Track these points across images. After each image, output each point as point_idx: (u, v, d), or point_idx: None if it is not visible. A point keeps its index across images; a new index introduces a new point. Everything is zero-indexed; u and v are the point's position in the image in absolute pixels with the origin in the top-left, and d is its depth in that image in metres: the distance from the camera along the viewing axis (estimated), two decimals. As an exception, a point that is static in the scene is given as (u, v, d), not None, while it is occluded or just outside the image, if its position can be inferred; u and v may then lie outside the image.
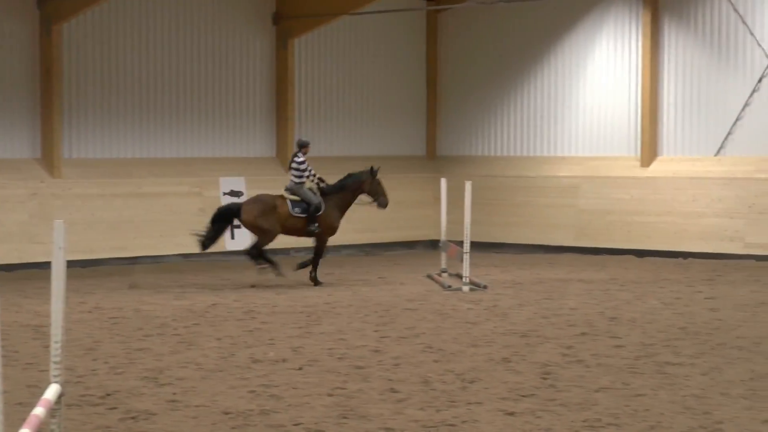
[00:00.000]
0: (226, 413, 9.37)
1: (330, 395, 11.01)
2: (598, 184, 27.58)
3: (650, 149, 27.15)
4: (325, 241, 19.29)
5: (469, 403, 10.64)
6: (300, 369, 12.30)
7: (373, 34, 29.58)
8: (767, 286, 20.21)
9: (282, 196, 19.22)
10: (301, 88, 28.31)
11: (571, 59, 28.75)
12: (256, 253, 19.04)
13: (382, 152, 29.34)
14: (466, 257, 20.07)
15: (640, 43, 27.43)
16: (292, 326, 15.58)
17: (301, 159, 18.73)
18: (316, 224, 18.71)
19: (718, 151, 26.05)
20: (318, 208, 18.77)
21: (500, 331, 15.56)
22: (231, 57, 27.52)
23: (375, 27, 29.31)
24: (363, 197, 19.47)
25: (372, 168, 19.12)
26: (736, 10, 25.66)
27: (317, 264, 19.23)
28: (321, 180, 19.09)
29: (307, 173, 18.77)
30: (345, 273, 23.53)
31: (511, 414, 10.00)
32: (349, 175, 19.33)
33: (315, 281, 18.97)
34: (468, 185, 20.74)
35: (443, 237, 22.04)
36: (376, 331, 15.92)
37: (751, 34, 25.45)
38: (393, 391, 11.20)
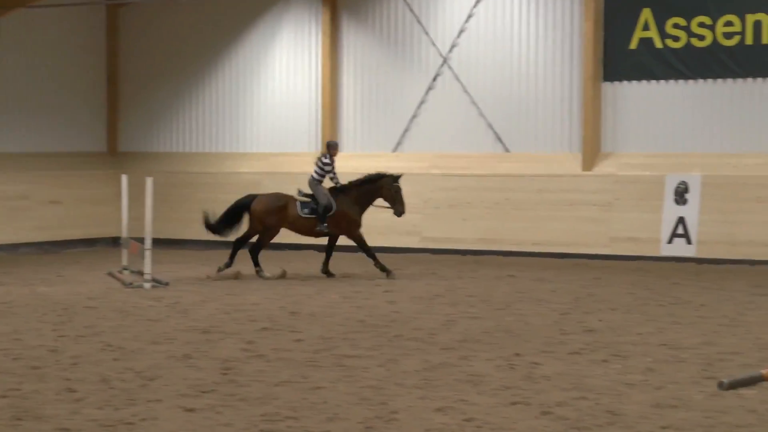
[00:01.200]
0: None
1: (4, 397, 10.45)
2: (280, 180, 26.84)
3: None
4: (357, 236, 19.05)
5: (149, 401, 10.33)
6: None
7: (52, 27, 28.57)
8: (442, 279, 20.72)
9: (294, 197, 19.18)
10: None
11: (252, 56, 28.71)
12: (257, 254, 19.11)
13: (63, 148, 29.02)
14: (148, 254, 19.73)
15: (319, 42, 27.63)
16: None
17: (328, 160, 18.68)
18: (325, 224, 18.58)
19: (396, 148, 26.59)
20: (327, 209, 18.61)
21: (181, 328, 15.35)
22: None
23: (54, 21, 28.34)
24: (380, 202, 19.20)
25: (393, 175, 18.79)
26: (411, 11, 26.15)
27: (373, 255, 18.99)
28: (337, 182, 18.99)
29: (331, 174, 18.73)
30: (23, 272, 22.59)
31: (191, 410, 9.81)
32: (370, 178, 19.03)
33: (384, 270, 18.69)
34: (149, 181, 20.36)
35: (124, 234, 21.48)
36: (54, 330, 15.24)
37: (426, 33, 25.95)
38: (70, 390, 10.75)
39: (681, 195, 23.06)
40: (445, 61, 25.84)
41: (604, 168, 24.28)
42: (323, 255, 19.88)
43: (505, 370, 12.22)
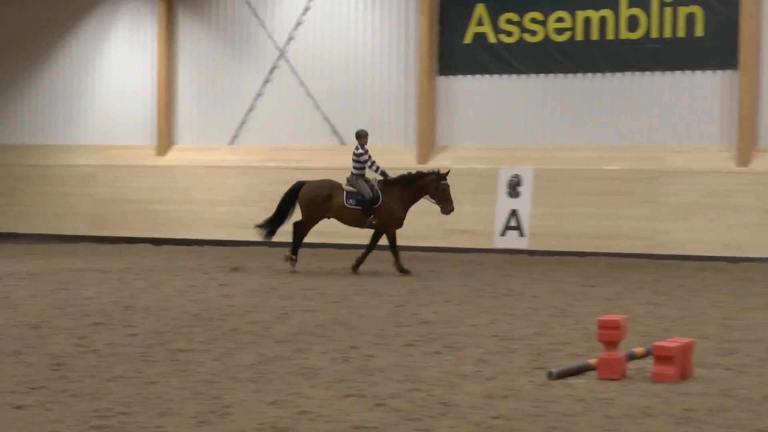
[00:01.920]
0: None
1: None
2: (115, 173, 27.36)
3: (166, 138, 27.40)
4: (392, 233, 18.59)
5: (-26, 399, 10.46)
6: None
7: None
8: (279, 273, 20.50)
9: (341, 186, 18.88)
10: None
11: (86, 48, 28.30)
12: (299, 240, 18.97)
13: None
14: None
15: (155, 35, 27.43)
16: None
17: (360, 150, 18.28)
18: (372, 216, 18.18)
19: (233, 140, 26.62)
20: (374, 201, 18.25)
21: (11, 323, 14.65)
22: None
23: None
24: (427, 199, 18.64)
25: (441, 173, 18.08)
26: (248, 3, 26.30)
27: (397, 254, 18.52)
28: (384, 173, 18.49)
29: (368, 163, 18.33)
30: None
31: (20, 407, 9.33)
32: (418, 174, 18.44)
33: (403, 271, 18.29)
34: None
35: None
36: None
37: (263, 26, 26.09)
38: None
39: (514, 188, 23.52)
40: (281, 54, 26.03)
41: (439, 161, 24.02)
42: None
43: (339, 362, 12.03)
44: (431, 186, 18.31)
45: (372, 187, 18.54)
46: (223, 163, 26.90)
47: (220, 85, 27.45)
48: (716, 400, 10.15)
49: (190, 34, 27.65)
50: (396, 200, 18.49)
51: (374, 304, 16.98)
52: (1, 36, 29.33)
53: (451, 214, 21.65)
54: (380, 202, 18.43)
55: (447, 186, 18.21)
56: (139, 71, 28.04)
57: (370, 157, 18.46)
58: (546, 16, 23.74)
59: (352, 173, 18.69)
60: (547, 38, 23.83)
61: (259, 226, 19.57)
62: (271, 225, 19.41)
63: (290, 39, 26.13)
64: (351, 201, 18.53)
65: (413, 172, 18.82)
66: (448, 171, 18.34)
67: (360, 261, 18.88)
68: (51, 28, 29.07)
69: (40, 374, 11.23)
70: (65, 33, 28.90)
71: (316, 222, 19.18)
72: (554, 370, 11.25)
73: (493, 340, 13.35)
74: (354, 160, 18.61)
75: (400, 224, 18.66)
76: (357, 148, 18.58)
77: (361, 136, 18.65)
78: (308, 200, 19.11)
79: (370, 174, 18.86)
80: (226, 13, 27.24)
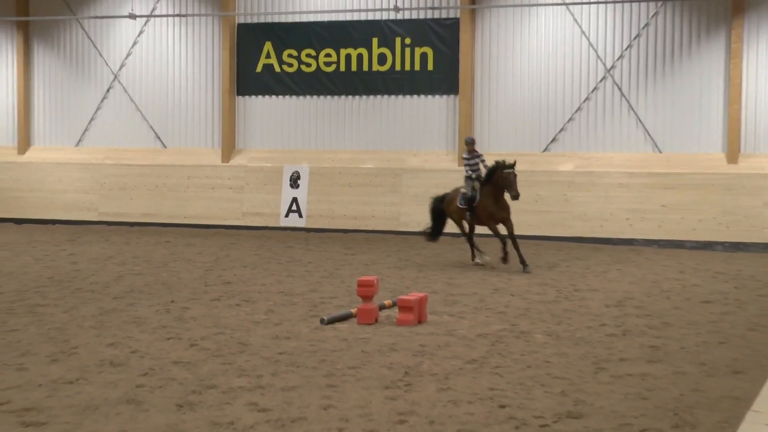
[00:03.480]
0: None
1: None
2: None
3: (25, 141, 29.16)
4: (509, 227, 17.91)
5: None
6: None
7: None
8: (114, 245, 21.96)
9: (459, 190, 18.60)
10: None
11: None
12: (470, 244, 18.69)
13: None
14: None
15: (15, 59, 29.23)
16: None
17: (467, 156, 18.07)
18: (469, 213, 18.04)
19: (78, 143, 28.61)
20: (471, 199, 18.01)
21: None
22: None
23: None
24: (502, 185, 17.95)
25: (507, 163, 17.52)
26: (89, 37, 28.30)
27: (509, 246, 17.81)
28: (479, 176, 18.07)
29: (474, 167, 18.03)
30: None
31: None
32: (491, 169, 17.82)
33: (523, 263, 17.54)
34: None
35: None
36: None
37: (101, 55, 28.25)
38: None
39: (295, 181, 25.59)
40: (115, 77, 28.11)
41: (238, 160, 26.67)
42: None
43: (162, 313, 13.21)
44: (500, 175, 17.65)
45: (473, 188, 18.13)
46: (70, 161, 28.33)
47: (68, 99, 28.96)
48: (443, 338, 11.63)
49: (43, 59, 29.11)
50: (487, 197, 17.84)
51: (188, 269, 18.10)
52: None
53: (241, 201, 22.48)
54: (477, 199, 17.96)
55: (509, 174, 17.46)
56: (2, 88, 29.48)
57: (476, 162, 18.14)
58: (318, 52, 25.99)
59: (465, 175, 18.35)
60: (318, 69, 26.03)
61: (425, 233, 19.58)
62: (433, 235, 19.30)
63: (122, 66, 28.12)
64: (461, 201, 18.22)
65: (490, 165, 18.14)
66: (514, 162, 17.68)
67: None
68: None
69: None
70: None
71: (457, 223, 18.86)
72: (325, 318, 12.54)
73: (279, 295, 14.71)
74: (464, 165, 18.29)
75: (494, 218, 17.91)
76: (465, 154, 18.22)
77: (468, 143, 18.24)
78: (446, 208, 18.88)
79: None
80: (72, 43, 28.78)
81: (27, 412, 8.43)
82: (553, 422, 8.23)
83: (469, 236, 18.65)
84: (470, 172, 18.04)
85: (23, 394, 8.97)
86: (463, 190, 18.22)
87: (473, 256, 18.64)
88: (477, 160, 17.96)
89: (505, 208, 17.78)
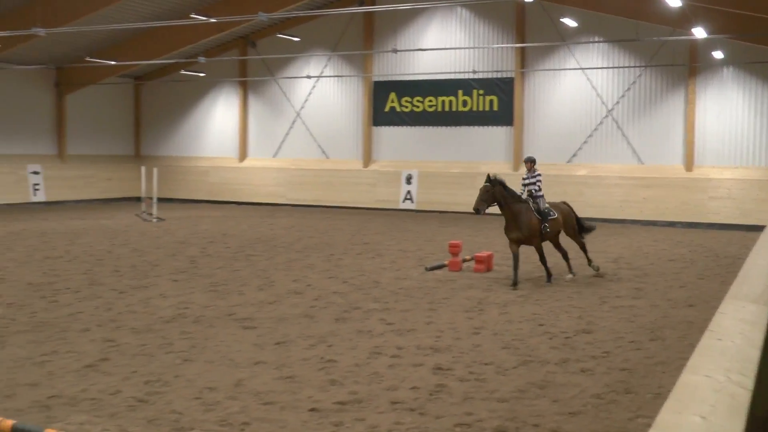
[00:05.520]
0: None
1: None
2: (219, 171, 31.39)
3: (243, 154, 31.72)
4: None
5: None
6: None
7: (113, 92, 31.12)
8: (296, 219, 22.91)
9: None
10: None
11: (205, 113, 32.50)
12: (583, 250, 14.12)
13: (114, 152, 32.32)
14: (154, 204, 23.36)
15: (238, 105, 32.11)
16: None
17: (526, 176, 13.25)
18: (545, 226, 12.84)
19: (274, 155, 31.32)
20: (543, 214, 13.13)
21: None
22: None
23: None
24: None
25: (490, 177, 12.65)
26: (281, 89, 31.02)
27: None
28: (530, 195, 13.24)
29: (535, 185, 13.12)
30: (96, 213, 24.64)
31: None
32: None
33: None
34: (154, 170, 24.37)
35: (143, 194, 24.28)
36: (111, 241, 17.79)
37: (288, 101, 31.03)
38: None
39: (408, 180, 27.71)
40: (297, 114, 30.76)
41: (372, 167, 28.83)
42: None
43: (325, 261, 14.23)
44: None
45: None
46: (269, 166, 30.76)
47: (268, 128, 31.45)
48: (503, 281, 11.98)
49: (254, 103, 31.81)
50: (506, 220, 12.89)
51: (341, 234, 18.98)
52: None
53: (375, 192, 24.53)
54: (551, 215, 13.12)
55: (481, 188, 12.42)
56: (231, 123, 32.15)
57: (530, 180, 13.17)
58: (423, 98, 28.20)
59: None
60: (424, 110, 28.21)
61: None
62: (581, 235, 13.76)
63: (302, 107, 30.69)
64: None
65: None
66: (489, 176, 12.60)
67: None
68: (175, 108, 32.52)
69: None
70: (194, 104, 32.31)
71: (550, 239, 13.52)
72: (428, 266, 13.01)
73: (398, 252, 15.72)
74: (522, 185, 13.24)
75: (511, 240, 12.89)
76: (525, 174, 13.30)
77: (527, 162, 13.41)
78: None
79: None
80: (271, 93, 31.42)
81: (244, 320, 9.37)
82: (573, 335, 8.77)
83: (539, 256, 13.29)
84: (524, 192, 13.15)
85: (243, 309, 10.06)
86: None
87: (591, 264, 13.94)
88: (534, 179, 13.11)
89: (521, 228, 12.78)
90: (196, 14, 23.72)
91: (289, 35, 29.10)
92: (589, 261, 13.83)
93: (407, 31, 28.33)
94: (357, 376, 7.20)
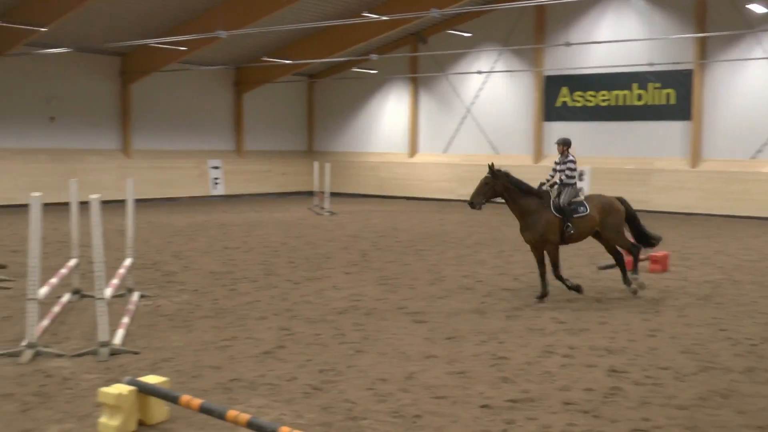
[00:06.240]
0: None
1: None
2: (382, 167, 32.15)
3: (413, 150, 32.31)
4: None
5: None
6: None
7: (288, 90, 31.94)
8: (467, 215, 22.42)
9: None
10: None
11: (377, 109, 32.99)
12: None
13: (289, 148, 33.59)
14: (327, 198, 24.32)
15: (408, 101, 32.62)
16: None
17: (558, 160, 11.38)
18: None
19: (444, 151, 31.46)
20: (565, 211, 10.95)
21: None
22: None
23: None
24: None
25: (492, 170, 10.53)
26: (451, 86, 31.35)
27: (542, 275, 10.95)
28: (551, 185, 11.20)
29: (568, 171, 11.13)
30: (271, 206, 25.65)
31: None
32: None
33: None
34: (327, 165, 25.14)
35: (315, 189, 25.59)
36: (284, 234, 18.07)
37: (459, 97, 31.23)
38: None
39: (580, 176, 25.79)
40: (468, 110, 30.94)
41: (543, 162, 27.94)
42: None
43: (495, 258, 14.37)
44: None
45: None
46: (439, 162, 31.11)
47: (438, 124, 31.76)
48: (679, 282, 11.61)
49: (424, 100, 32.16)
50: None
51: (517, 232, 17.77)
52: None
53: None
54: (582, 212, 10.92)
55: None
56: (401, 119, 32.71)
57: (565, 166, 11.16)
58: (596, 93, 27.83)
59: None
60: (597, 104, 27.84)
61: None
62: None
63: (472, 103, 30.88)
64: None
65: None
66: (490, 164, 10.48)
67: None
68: (350, 103, 33.15)
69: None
70: (362, 105, 33.23)
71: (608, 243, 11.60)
72: (600, 265, 12.97)
73: (570, 250, 14.93)
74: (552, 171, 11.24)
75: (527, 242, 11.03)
76: (557, 158, 11.41)
77: (559, 144, 11.49)
78: None
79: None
80: (441, 90, 31.74)
81: (415, 314, 9.66)
82: (759, 343, 8.41)
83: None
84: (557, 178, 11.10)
85: (413, 303, 10.38)
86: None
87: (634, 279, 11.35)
88: (565, 165, 11.19)
89: (530, 228, 10.84)
90: (368, 12, 24.28)
91: (460, 31, 29.35)
92: (627, 280, 11.14)
93: (580, 24, 28.12)
94: (528, 374, 7.22)
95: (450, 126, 31.49)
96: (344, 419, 5.95)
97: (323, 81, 33.95)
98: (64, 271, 9.45)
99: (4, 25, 22.40)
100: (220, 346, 8.13)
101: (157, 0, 24.20)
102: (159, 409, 5.89)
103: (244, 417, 5.06)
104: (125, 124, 28.68)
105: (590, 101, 28.12)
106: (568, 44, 24.07)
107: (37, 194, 7.69)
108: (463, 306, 10.12)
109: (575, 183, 11.03)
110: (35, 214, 7.58)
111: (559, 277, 10.78)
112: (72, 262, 10.21)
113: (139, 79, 28.24)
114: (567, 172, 11.04)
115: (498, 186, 10.59)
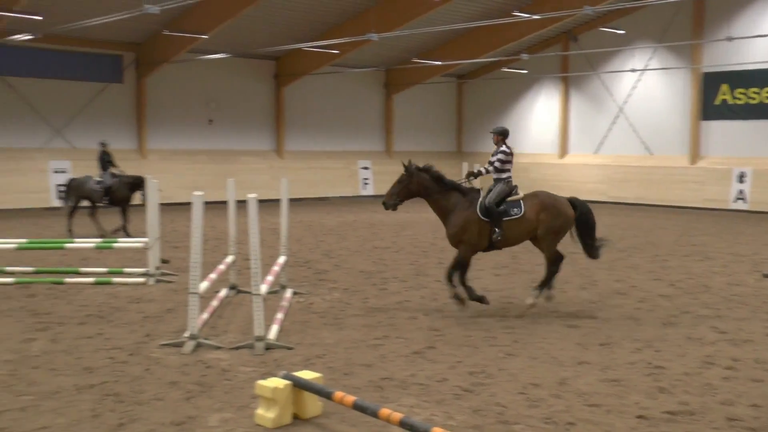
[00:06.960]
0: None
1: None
2: (531, 168, 31.53)
3: (563, 150, 31.94)
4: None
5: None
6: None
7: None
8: (617, 217, 22.61)
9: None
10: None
11: (525, 107, 32.84)
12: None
13: (438, 149, 33.80)
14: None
15: (559, 100, 32.53)
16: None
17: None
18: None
19: (595, 151, 31.24)
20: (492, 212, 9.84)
21: None
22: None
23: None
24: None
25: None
26: (603, 83, 30.99)
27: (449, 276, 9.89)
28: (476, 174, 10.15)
29: (497, 164, 10.02)
30: (369, 206, 24.57)
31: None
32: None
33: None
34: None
35: None
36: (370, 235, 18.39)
37: (611, 96, 30.82)
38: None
39: (741, 178, 26.31)
40: (620, 109, 30.52)
41: (700, 163, 27.69)
42: None
43: (649, 262, 14.07)
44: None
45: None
46: (590, 163, 30.83)
47: (589, 124, 31.57)
48: None
49: (575, 99, 32.06)
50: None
51: (666, 234, 18.72)
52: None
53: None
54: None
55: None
56: (551, 118, 32.68)
57: (495, 158, 10.00)
58: (760, 89, 26.75)
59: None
60: (760, 102, 26.75)
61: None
62: None
63: (625, 102, 30.38)
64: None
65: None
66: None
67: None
68: (504, 104, 33.31)
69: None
70: (513, 105, 33.08)
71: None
72: (766, 272, 12.68)
73: (729, 255, 14.91)
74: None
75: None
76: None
77: (493, 133, 10.23)
78: None
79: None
80: (593, 88, 31.48)
81: (567, 318, 9.51)
82: None
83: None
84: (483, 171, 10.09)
85: (565, 307, 10.12)
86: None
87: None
88: (495, 157, 10.15)
89: (447, 228, 9.92)
90: (518, 12, 24.07)
91: (612, 28, 28.87)
92: (545, 285, 9.85)
93: (742, 17, 27.21)
94: (687, 385, 6.93)
95: (601, 126, 31.18)
96: (495, 422, 5.90)
97: (472, 81, 34.25)
98: (221, 267, 9.88)
99: (171, 34, 23.53)
100: (371, 344, 8.25)
101: (310, 5, 24.96)
102: (313, 404, 6.02)
103: (397, 416, 5.07)
104: (278, 125, 29.66)
105: (753, 98, 27.14)
106: (730, 39, 23.37)
107: (199, 193, 8.05)
108: (617, 312, 9.96)
109: (509, 179, 9.94)
110: (198, 212, 7.90)
111: (450, 280, 9.67)
112: (229, 259, 10.67)
113: (292, 82, 29.21)
114: (496, 164, 9.92)
115: (413, 185, 9.81)
